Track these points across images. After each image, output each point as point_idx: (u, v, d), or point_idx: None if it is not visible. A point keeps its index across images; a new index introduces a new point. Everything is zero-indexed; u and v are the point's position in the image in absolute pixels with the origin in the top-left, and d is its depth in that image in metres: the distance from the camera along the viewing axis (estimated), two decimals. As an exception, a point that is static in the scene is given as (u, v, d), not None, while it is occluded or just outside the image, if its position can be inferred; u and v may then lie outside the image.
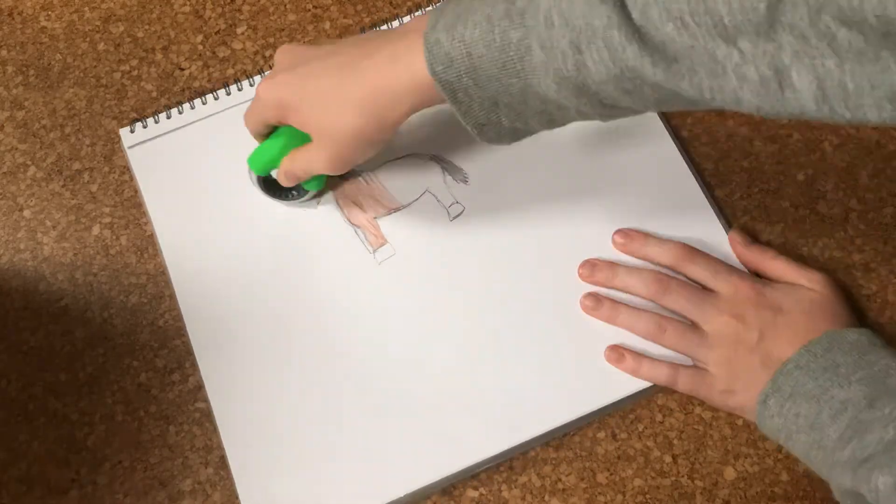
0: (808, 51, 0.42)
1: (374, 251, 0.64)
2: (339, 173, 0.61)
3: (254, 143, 0.62)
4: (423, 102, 0.54)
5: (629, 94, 0.47)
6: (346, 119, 0.56)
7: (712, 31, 0.43)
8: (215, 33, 0.73)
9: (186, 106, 0.69)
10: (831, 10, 0.41)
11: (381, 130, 0.56)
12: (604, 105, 0.49)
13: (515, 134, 0.54)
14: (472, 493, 0.59)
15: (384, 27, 0.71)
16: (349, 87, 0.55)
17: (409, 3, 0.73)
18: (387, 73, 0.54)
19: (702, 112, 0.68)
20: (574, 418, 0.59)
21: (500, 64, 0.49)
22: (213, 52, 0.72)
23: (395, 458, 0.58)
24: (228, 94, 0.69)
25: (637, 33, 0.44)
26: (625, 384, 0.60)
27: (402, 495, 0.58)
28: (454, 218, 0.65)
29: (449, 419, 0.59)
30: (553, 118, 0.52)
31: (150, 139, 0.68)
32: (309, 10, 0.74)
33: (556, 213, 0.65)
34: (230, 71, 0.71)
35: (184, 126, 0.68)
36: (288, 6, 0.74)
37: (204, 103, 0.69)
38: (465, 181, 0.66)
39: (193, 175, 0.67)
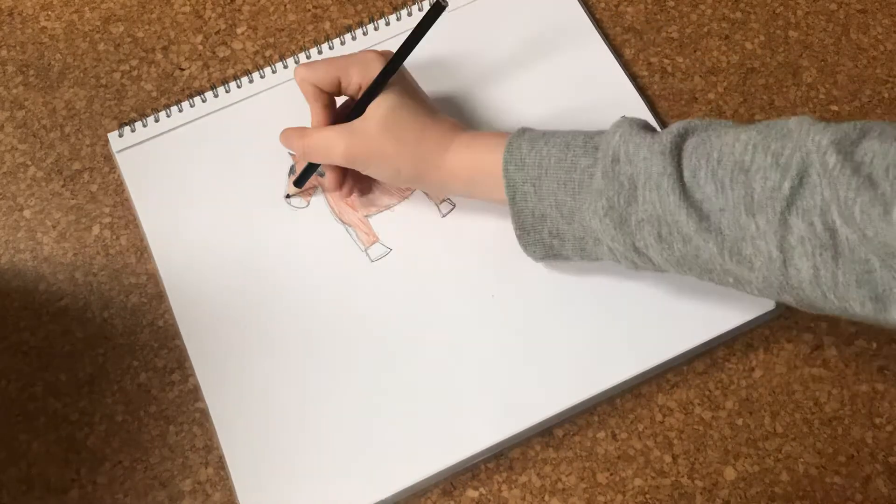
0: (812, 239, 0.47)
1: (367, 249, 0.64)
2: (351, 166, 0.61)
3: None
4: (467, 187, 0.60)
5: (660, 242, 0.52)
6: (392, 142, 0.59)
7: (741, 200, 0.49)
8: (215, 33, 0.73)
9: (175, 109, 0.69)
10: (838, 209, 0.46)
11: (415, 171, 0.59)
12: (635, 249, 0.54)
13: (548, 250, 0.59)
14: (472, 493, 0.59)
15: (381, 22, 0.71)
16: (414, 136, 0.59)
17: (408, 3, 0.73)
18: (456, 149, 0.59)
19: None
20: (566, 408, 0.59)
21: (562, 182, 0.55)
22: (213, 52, 0.72)
23: (393, 452, 0.59)
24: (216, 95, 0.69)
25: (683, 188, 0.51)
26: (614, 375, 0.60)
27: (400, 489, 0.58)
28: (445, 214, 0.65)
29: (445, 413, 0.59)
30: (586, 249, 0.57)
31: (139, 143, 0.68)
32: (309, 10, 0.74)
33: None
34: (230, 71, 0.71)
35: (173, 129, 0.68)
36: (288, 6, 0.74)
37: (192, 106, 0.69)
38: None
39: (183, 177, 0.67)
